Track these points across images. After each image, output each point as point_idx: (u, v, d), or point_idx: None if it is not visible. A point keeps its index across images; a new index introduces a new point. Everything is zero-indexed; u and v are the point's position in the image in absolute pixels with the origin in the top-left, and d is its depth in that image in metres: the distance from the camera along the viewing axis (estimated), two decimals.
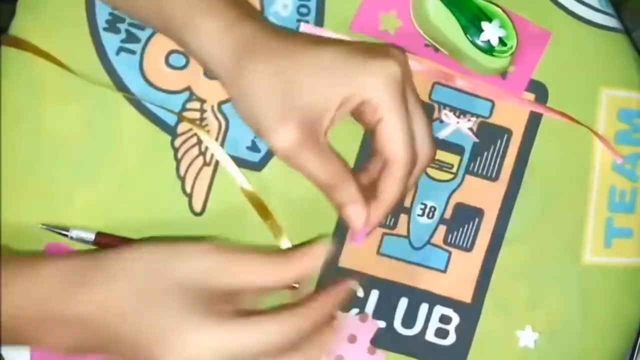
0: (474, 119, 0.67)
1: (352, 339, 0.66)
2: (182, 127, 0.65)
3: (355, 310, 0.66)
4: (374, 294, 0.66)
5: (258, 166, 0.66)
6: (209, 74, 0.60)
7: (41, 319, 0.54)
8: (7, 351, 0.65)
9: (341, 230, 0.66)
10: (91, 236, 0.63)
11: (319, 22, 0.66)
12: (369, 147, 0.64)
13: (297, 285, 0.61)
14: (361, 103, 0.58)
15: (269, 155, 0.66)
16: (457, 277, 0.67)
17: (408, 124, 0.59)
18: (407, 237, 0.67)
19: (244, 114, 0.59)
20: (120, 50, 0.65)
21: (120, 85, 0.65)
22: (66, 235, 0.63)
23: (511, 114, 0.68)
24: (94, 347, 0.55)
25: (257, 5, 0.66)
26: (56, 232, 0.64)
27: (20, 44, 0.65)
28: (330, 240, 0.65)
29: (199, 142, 0.65)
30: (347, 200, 0.59)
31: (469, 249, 0.67)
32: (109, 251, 0.55)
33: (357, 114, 0.60)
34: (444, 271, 0.67)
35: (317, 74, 0.58)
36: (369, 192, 0.60)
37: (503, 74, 0.67)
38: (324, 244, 0.57)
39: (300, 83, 0.57)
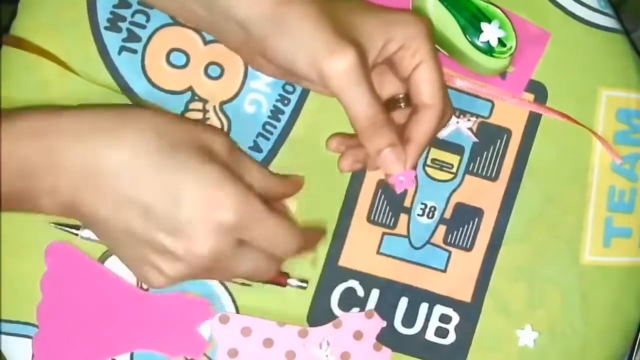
0: (473, 119, 0.67)
1: (358, 335, 0.66)
2: None
3: (355, 310, 0.66)
4: (374, 294, 0.67)
5: None
6: (233, 35, 0.59)
7: (62, 168, 0.53)
8: (8, 347, 0.65)
9: (342, 230, 0.66)
10: None
11: None
12: None
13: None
14: (401, 47, 0.58)
15: (271, 155, 0.66)
16: (457, 276, 0.67)
17: (442, 73, 0.59)
18: (407, 236, 0.67)
19: (292, 47, 0.56)
20: (122, 49, 0.65)
21: (123, 86, 0.65)
22: (76, 234, 0.64)
23: (511, 114, 0.68)
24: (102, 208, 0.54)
25: None
26: (66, 230, 0.64)
27: (22, 44, 0.65)
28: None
29: None
30: (390, 142, 0.57)
31: (468, 248, 0.67)
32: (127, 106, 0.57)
33: (392, 62, 0.59)
34: (444, 271, 0.67)
35: (359, 14, 0.58)
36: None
37: (502, 74, 0.68)
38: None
39: (346, 20, 0.57)
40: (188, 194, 0.53)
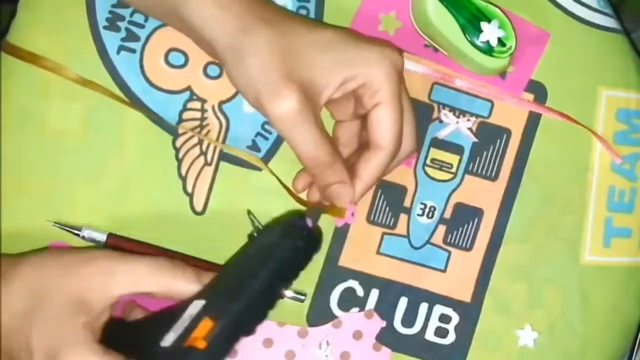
0: (473, 119, 0.67)
1: (358, 335, 0.66)
2: (184, 127, 0.65)
3: (355, 309, 0.66)
4: (374, 293, 0.67)
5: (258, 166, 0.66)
6: (208, 49, 0.60)
7: None
8: None
9: (341, 231, 0.66)
10: (102, 237, 0.64)
11: None
12: None
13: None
14: (361, 85, 0.58)
15: (270, 154, 0.66)
16: (457, 276, 0.67)
17: (401, 114, 0.59)
18: (407, 236, 0.67)
19: (243, 81, 0.57)
20: (120, 49, 0.65)
21: (122, 86, 0.65)
22: (77, 235, 0.64)
23: (510, 114, 0.68)
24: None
25: None
26: (68, 230, 0.64)
27: (19, 53, 0.65)
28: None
29: (200, 142, 0.65)
30: (337, 179, 0.59)
31: (468, 248, 0.67)
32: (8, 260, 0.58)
33: (354, 95, 0.60)
34: (444, 271, 0.67)
35: (320, 50, 0.57)
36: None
37: (502, 74, 0.68)
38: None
39: (303, 56, 0.57)
40: None
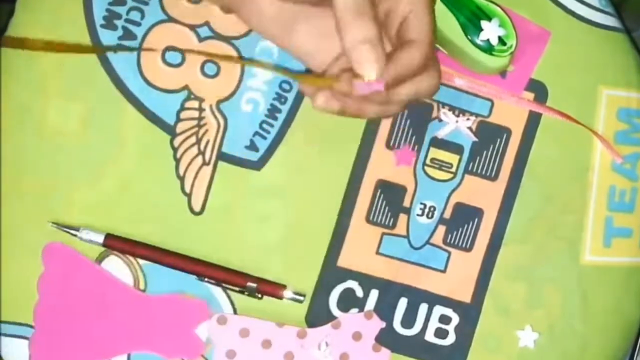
0: (473, 118, 0.67)
1: (357, 336, 0.66)
2: (182, 126, 0.65)
3: (355, 310, 0.66)
4: (374, 294, 0.66)
5: (257, 165, 0.66)
6: None
7: None
8: (5, 349, 0.65)
9: (340, 231, 0.66)
10: (100, 237, 0.64)
11: None
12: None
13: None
14: None
15: (268, 154, 0.66)
16: (457, 277, 0.67)
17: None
18: (407, 237, 0.67)
19: None
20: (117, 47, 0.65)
21: (119, 85, 0.65)
22: (75, 235, 0.64)
23: (510, 113, 0.67)
24: None
25: None
26: (65, 231, 0.64)
27: (21, 43, 0.64)
28: None
29: (198, 141, 0.65)
30: (365, 35, 0.51)
31: (468, 248, 0.67)
32: None
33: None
34: (444, 271, 0.67)
35: None
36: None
37: (502, 73, 0.67)
38: None
39: None
40: None
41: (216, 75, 0.65)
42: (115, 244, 0.64)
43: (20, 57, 0.65)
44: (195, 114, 0.65)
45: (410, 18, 0.55)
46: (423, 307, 0.67)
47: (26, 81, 0.65)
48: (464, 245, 0.67)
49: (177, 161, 0.65)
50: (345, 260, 0.66)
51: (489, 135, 0.67)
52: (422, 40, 0.55)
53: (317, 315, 0.66)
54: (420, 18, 0.55)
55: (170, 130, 0.65)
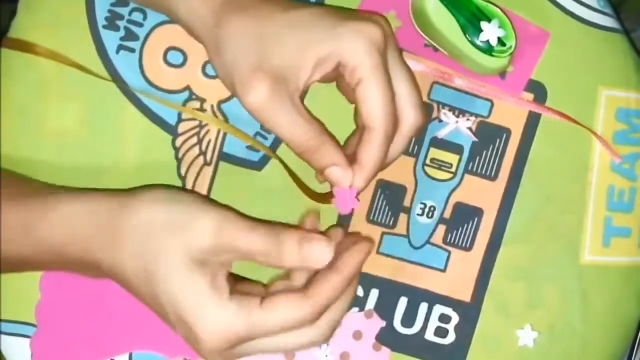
0: (473, 118, 0.67)
1: (358, 335, 0.66)
2: (183, 126, 0.65)
3: (355, 310, 0.66)
4: (374, 294, 0.66)
5: (258, 166, 0.66)
6: (195, 37, 0.60)
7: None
8: (7, 347, 0.65)
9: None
10: None
11: None
12: None
13: None
14: (339, 65, 0.56)
15: (269, 155, 0.66)
16: (457, 276, 0.67)
17: (388, 88, 0.56)
18: (407, 236, 0.67)
19: (220, 70, 0.57)
20: (120, 48, 0.65)
21: (121, 86, 0.65)
22: None
23: (510, 114, 0.68)
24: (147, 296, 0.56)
25: None
26: None
27: (23, 46, 0.65)
28: (341, 230, 0.61)
29: (200, 141, 0.65)
30: (329, 162, 0.57)
31: (468, 248, 0.67)
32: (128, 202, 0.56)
33: (338, 80, 0.58)
34: (444, 271, 0.67)
35: (293, 32, 0.56)
36: (352, 159, 0.58)
37: (502, 74, 0.67)
38: (334, 235, 0.57)
39: (276, 40, 0.55)
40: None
41: (218, 75, 0.65)
42: None
43: (21, 57, 0.65)
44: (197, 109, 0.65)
45: (357, 98, 0.57)
46: (423, 307, 0.67)
47: (26, 81, 0.65)
48: (464, 245, 0.67)
49: (179, 161, 0.65)
50: None
51: (489, 135, 0.67)
52: (376, 127, 0.57)
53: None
54: (368, 98, 0.56)
55: (172, 131, 0.65)
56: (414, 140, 0.66)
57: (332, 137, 0.58)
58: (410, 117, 0.59)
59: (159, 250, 0.54)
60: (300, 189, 0.64)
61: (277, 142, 0.66)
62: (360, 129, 0.59)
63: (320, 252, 0.55)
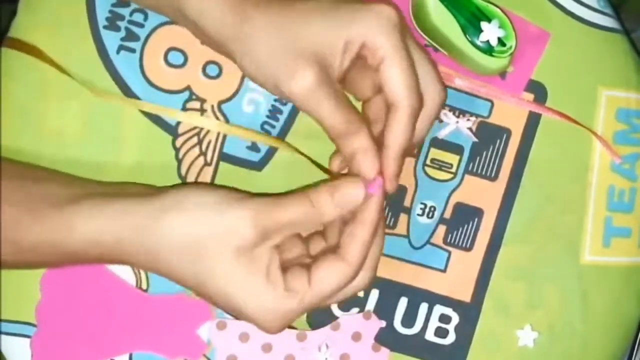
0: (473, 118, 0.67)
1: (357, 336, 0.66)
2: (183, 127, 0.65)
3: (355, 310, 0.66)
4: (374, 294, 0.66)
5: (258, 166, 0.66)
6: (210, 44, 0.60)
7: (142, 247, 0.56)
8: (7, 347, 0.65)
9: None
10: None
11: None
12: None
13: None
14: (362, 46, 0.57)
15: (269, 154, 0.66)
16: (457, 276, 0.67)
17: (411, 65, 0.57)
18: (407, 236, 0.67)
19: (254, 68, 0.57)
20: (120, 48, 0.65)
21: (122, 85, 0.65)
22: None
23: (510, 114, 0.68)
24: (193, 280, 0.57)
25: None
26: None
27: (23, 47, 0.65)
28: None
29: (200, 142, 0.65)
30: (359, 148, 0.57)
31: (468, 248, 0.67)
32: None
33: (362, 65, 0.59)
34: (444, 271, 0.67)
35: (317, 19, 0.56)
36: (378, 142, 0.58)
37: (502, 74, 0.67)
38: (358, 184, 0.57)
39: (303, 29, 0.56)
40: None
41: (218, 76, 0.65)
42: None
43: (21, 57, 0.65)
44: (197, 114, 0.65)
45: (382, 77, 0.57)
46: (423, 307, 0.67)
47: (26, 81, 0.65)
48: (464, 245, 0.67)
49: (179, 162, 0.65)
50: None
51: (489, 135, 0.68)
52: (402, 104, 0.57)
53: (318, 315, 0.66)
54: (393, 75, 0.57)
55: (172, 131, 0.65)
56: None
57: (365, 124, 0.58)
58: (434, 94, 0.60)
59: (205, 260, 0.55)
60: (318, 168, 0.65)
61: (281, 135, 0.66)
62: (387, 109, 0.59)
63: (352, 193, 0.56)
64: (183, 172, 0.65)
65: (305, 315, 0.65)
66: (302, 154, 0.65)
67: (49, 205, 0.57)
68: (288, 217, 0.55)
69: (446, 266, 0.67)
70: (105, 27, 0.65)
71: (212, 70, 0.65)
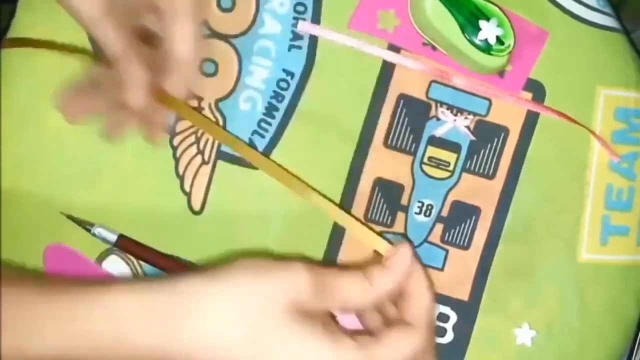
0: (471, 117, 0.67)
1: None
2: (181, 125, 0.65)
3: None
4: None
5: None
6: None
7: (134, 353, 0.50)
8: None
9: (339, 230, 0.66)
10: (113, 237, 0.64)
11: (316, 20, 0.66)
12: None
13: None
14: None
15: (267, 152, 0.66)
16: (455, 275, 0.67)
17: None
18: (405, 235, 0.67)
19: None
20: None
21: None
22: (89, 230, 0.64)
23: (508, 112, 0.68)
24: None
25: (253, 3, 0.66)
26: (80, 225, 0.64)
27: (22, 42, 0.65)
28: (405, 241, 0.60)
29: (197, 140, 0.65)
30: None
31: (466, 247, 0.67)
32: (182, 282, 0.52)
33: None
34: (441, 269, 0.67)
35: None
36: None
37: (500, 72, 0.67)
38: (404, 246, 0.56)
39: None
40: None
41: (214, 73, 0.66)
42: (128, 245, 0.64)
43: (21, 57, 0.65)
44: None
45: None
46: None
47: (27, 81, 0.65)
48: (461, 243, 0.67)
49: (177, 160, 0.65)
50: (344, 258, 0.66)
51: (487, 134, 0.68)
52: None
53: None
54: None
55: (170, 129, 0.65)
56: (411, 138, 0.66)
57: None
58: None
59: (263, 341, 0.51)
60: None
61: (273, 142, 0.66)
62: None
63: (401, 257, 0.56)
64: (180, 170, 0.65)
65: None
66: (286, 170, 0.63)
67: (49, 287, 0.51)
68: (343, 286, 0.54)
69: (444, 265, 0.67)
70: None
71: (209, 67, 0.65)
